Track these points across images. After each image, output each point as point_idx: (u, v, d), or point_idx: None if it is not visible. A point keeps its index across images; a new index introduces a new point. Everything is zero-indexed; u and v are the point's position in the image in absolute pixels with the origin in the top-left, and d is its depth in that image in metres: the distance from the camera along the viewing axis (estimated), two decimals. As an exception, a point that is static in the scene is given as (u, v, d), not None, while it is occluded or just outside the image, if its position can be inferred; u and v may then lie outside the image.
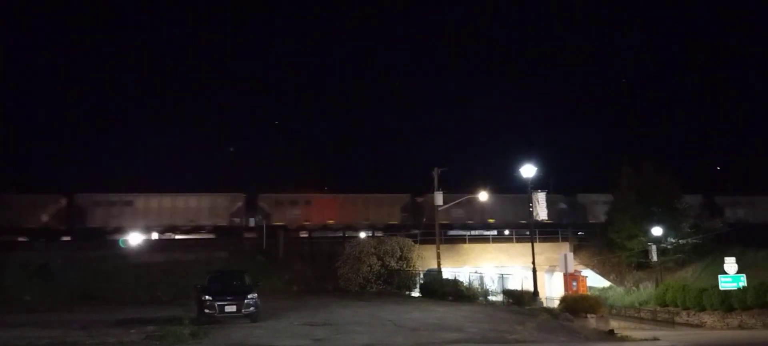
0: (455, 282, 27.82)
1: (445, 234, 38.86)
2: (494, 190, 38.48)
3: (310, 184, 48.50)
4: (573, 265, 31.13)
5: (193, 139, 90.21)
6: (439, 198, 33.73)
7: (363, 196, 44.19)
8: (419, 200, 43.78)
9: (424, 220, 41.75)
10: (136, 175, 64.50)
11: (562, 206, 46.07)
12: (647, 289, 36.19)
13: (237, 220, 41.73)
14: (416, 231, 39.44)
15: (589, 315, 22.33)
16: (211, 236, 41.39)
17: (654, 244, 36.61)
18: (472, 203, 40.47)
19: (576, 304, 23.11)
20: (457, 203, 38.35)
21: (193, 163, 73.05)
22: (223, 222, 41.04)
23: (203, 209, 41.24)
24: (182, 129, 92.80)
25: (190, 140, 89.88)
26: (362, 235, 40.50)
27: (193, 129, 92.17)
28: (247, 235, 41.80)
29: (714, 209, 46.60)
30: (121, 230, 39.87)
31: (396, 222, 42.52)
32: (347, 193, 44.83)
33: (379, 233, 41.83)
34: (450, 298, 25.95)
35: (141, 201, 40.65)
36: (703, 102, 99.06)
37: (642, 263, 38.46)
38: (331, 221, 42.53)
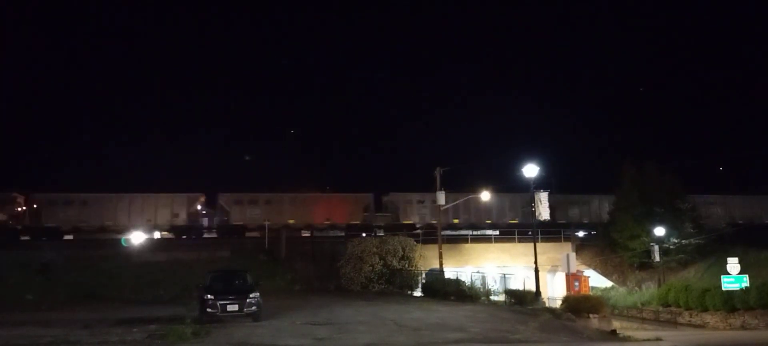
0: (457, 282, 27.75)
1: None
2: (495, 189, 38.35)
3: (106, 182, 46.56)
4: (575, 265, 31.02)
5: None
6: (441, 198, 33.66)
7: (141, 195, 41.63)
8: (201, 199, 42.84)
9: (215, 221, 41.36)
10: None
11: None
12: (650, 289, 36.11)
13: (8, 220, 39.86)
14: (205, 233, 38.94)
15: (591, 315, 22.27)
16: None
17: (656, 244, 36.51)
18: (472, 202, 40.34)
19: (578, 304, 23.04)
20: (460, 202, 38.23)
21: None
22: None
23: None
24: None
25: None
26: (363, 235, 40.45)
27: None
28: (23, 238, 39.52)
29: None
30: None
31: (182, 223, 40.83)
32: (125, 192, 42.20)
33: (166, 235, 41.55)
34: (452, 298, 25.89)
35: None
36: (707, 101, 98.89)
37: (644, 263, 38.37)
38: (109, 223, 40.38)
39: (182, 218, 40.71)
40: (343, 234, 41.91)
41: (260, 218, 40.97)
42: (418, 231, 40.07)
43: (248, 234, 41.31)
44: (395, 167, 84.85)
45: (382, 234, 40.15)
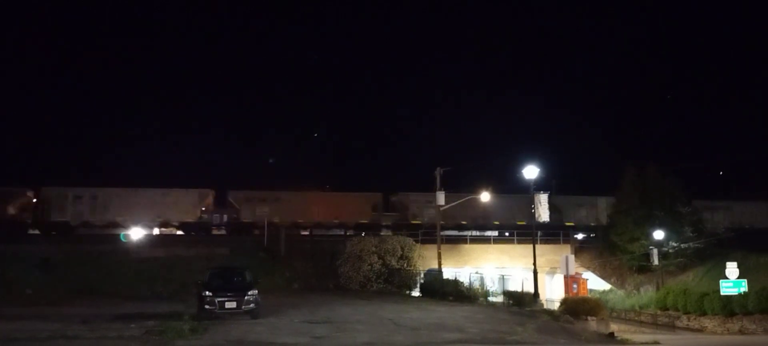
0: (456, 282, 27.73)
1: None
2: (496, 190, 38.29)
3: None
4: (574, 267, 31.06)
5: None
6: (440, 198, 33.62)
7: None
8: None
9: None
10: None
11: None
12: (648, 292, 36.10)
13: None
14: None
15: (589, 318, 22.26)
16: None
17: (656, 247, 36.50)
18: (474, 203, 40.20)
19: (576, 306, 23.04)
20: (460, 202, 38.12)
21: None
22: None
23: None
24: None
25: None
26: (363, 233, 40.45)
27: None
28: None
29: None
30: None
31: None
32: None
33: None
34: (450, 298, 25.88)
35: None
36: (709, 105, 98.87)
37: (643, 267, 38.34)
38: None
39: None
40: (343, 233, 42.07)
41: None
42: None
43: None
44: (395, 167, 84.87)
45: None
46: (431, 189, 43.74)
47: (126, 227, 40.17)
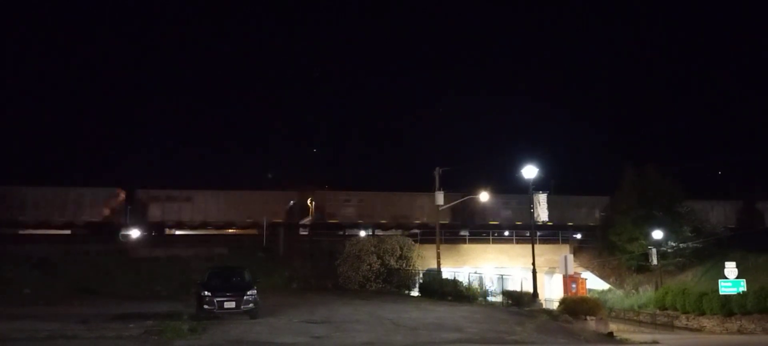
0: (455, 282, 27.74)
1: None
2: (495, 190, 38.27)
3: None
4: (573, 267, 31.06)
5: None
6: (439, 198, 33.64)
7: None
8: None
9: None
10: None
11: None
12: (647, 292, 36.13)
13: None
14: None
15: (588, 317, 22.28)
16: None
17: (654, 247, 36.53)
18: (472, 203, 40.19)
19: (575, 306, 23.06)
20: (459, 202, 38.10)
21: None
22: None
23: None
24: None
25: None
26: (362, 233, 40.38)
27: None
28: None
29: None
30: None
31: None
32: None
33: None
34: (449, 298, 25.88)
35: None
36: (705, 105, 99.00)
37: (642, 266, 38.38)
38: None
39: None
40: (341, 232, 41.65)
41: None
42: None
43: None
44: (395, 167, 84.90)
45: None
46: (350, 188, 44.28)
47: (31, 226, 38.56)
